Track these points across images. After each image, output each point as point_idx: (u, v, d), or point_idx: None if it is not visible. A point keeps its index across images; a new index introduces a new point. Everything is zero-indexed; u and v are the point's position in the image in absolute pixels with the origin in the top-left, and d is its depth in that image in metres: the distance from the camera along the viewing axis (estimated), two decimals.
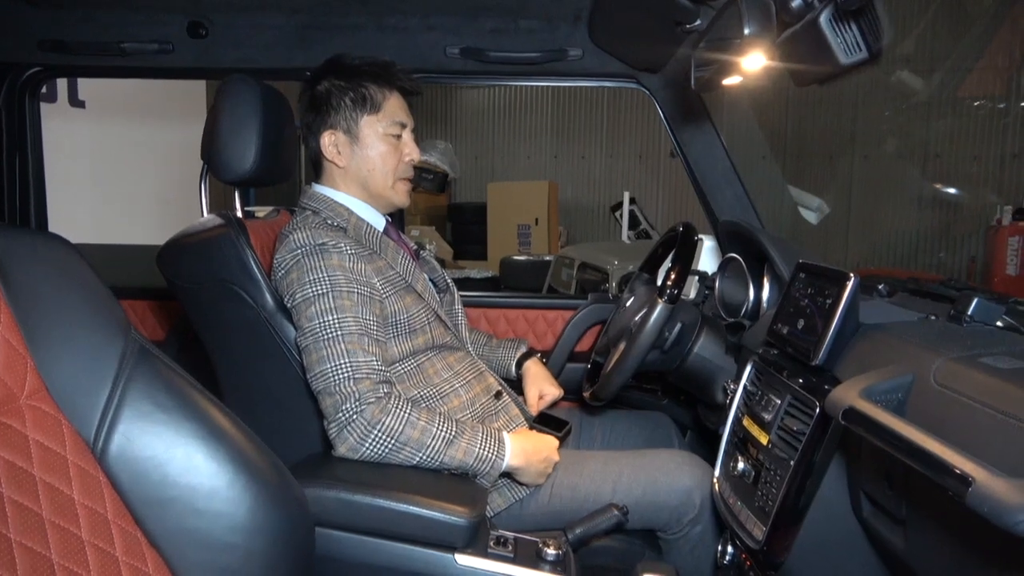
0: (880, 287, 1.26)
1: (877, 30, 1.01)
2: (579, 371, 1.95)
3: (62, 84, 3.79)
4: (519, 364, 1.73)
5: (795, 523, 1.03)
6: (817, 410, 1.01)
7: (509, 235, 7.22)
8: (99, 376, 0.88)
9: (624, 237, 6.67)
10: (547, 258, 5.94)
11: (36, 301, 0.86)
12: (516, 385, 1.69)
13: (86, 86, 3.94)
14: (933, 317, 1.07)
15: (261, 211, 1.72)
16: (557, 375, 1.92)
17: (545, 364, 1.76)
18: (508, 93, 8.29)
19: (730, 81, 1.17)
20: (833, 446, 1.00)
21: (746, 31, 0.97)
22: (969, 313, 0.99)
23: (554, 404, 1.69)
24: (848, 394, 0.84)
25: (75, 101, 3.94)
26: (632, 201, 6.82)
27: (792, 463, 1.04)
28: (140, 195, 4.48)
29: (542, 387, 1.67)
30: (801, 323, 1.15)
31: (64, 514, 0.80)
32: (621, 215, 6.86)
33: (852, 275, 1.06)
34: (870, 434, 0.77)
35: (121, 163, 4.28)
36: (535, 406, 1.65)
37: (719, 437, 1.50)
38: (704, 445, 1.86)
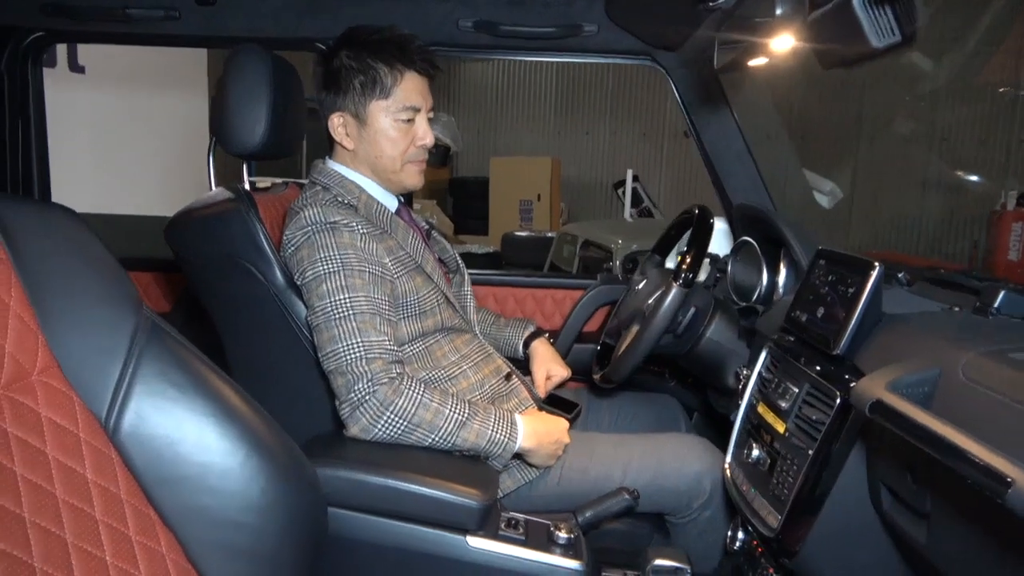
0: (900, 275, 1.24)
1: (911, 12, 0.98)
2: (586, 352, 1.94)
3: (61, 49, 3.72)
4: (526, 344, 1.71)
5: (812, 513, 1.03)
6: (838, 400, 1.00)
7: (511, 210, 7.18)
8: (111, 353, 0.87)
9: (626, 215, 6.63)
10: (549, 234, 5.91)
11: (47, 276, 0.84)
12: (523, 365, 1.68)
13: (86, 51, 3.87)
14: (957, 308, 1.06)
15: (263, 182, 1.69)
16: (564, 355, 1.90)
17: (553, 344, 1.75)
18: (512, 67, 8.20)
19: (756, 62, 1.15)
20: (853, 437, 0.99)
21: (778, 11, 0.94)
22: (995, 306, 0.98)
23: (561, 385, 1.68)
24: (874, 387, 0.83)
25: (75, 66, 3.87)
26: (635, 179, 6.77)
27: (810, 453, 1.03)
28: (139, 163, 4.43)
29: (550, 368, 1.66)
30: (821, 311, 1.14)
31: (78, 494, 0.79)
32: (623, 193, 6.82)
33: (877, 264, 1.05)
34: (899, 429, 0.76)
35: (121, 130, 4.22)
36: (543, 387, 1.64)
37: (730, 422, 1.49)
38: (711, 428, 1.86)
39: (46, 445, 0.79)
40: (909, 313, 1.06)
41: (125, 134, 4.25)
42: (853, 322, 1.04)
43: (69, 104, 3.67)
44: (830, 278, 1.15)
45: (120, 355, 0.87)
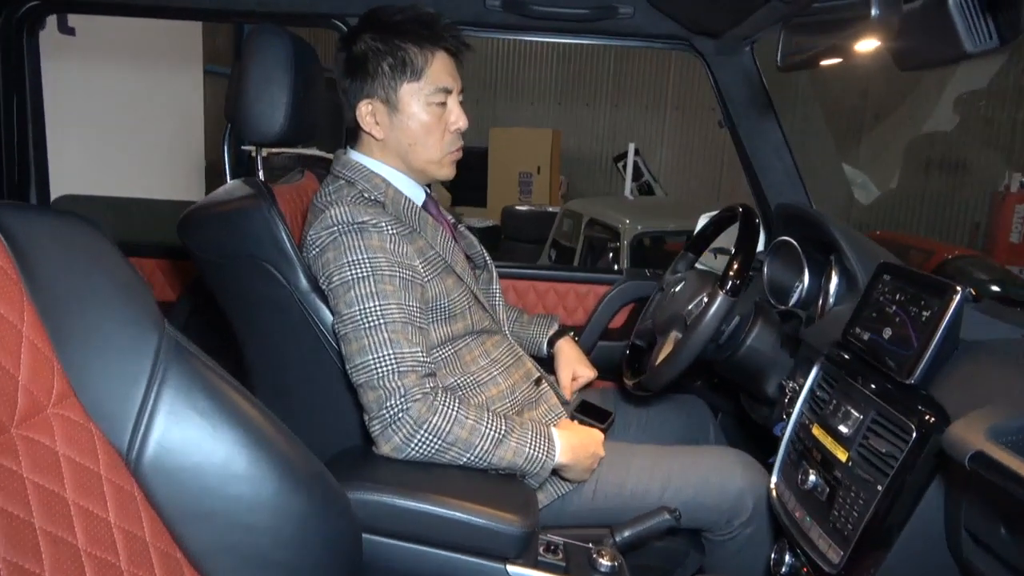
0: (965, 291, 1.17)
1: (1016, 17, 0.89)
2: (611, 350, 1.87)
3: None
4: (551, 343, 1.64)
5: (879, 549, 0.97)
6: (913, 435, 0.93)
7: (510, 183, 7.07)
8: (132, 377, 0.79)
9: (627, 189, 6.53)
10: (551, 209, 5.81)
11: (61, 293, 0.76)
12: (546, 363, 1.61)
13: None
14: None
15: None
16: (588, 353, 1.83)
17: (576, 342, 1.67)
18: None
19: (829, 62, 1.05)
20: (928, 474, 0.93)
21: (874, 12, 0.85)
22: None
23: (587, 385, 1.61)
24: (972, 435, 0.76)
25: (64, 28, 3.70)
26: (636, 153, 6.65)
27: (880, 488, 0.96)
28: (130, 136, 4.27)
29: (576, 368, 1.59)
30: (888, 332, 1.07)
31: (101, 543, 0.72)
32: (624, 167, 6.69)
33: (958, 287, 0.97)
34: (1008, 484, 0.69)
35: (113, 100, 4.05)
36: (568, 388, 1.57)
37: (765, 430, 1.43)
38: (739, 431, 1.81)
39: (65, 489, 0.71)
40: (989, 340, 0.99)
41: (117, 104, 4.09)
42: (931, 350, 0.97)
43: (55, 69, 3.51)
44: (898, 296, 1.08)
45: (142, 379, 0.79)
